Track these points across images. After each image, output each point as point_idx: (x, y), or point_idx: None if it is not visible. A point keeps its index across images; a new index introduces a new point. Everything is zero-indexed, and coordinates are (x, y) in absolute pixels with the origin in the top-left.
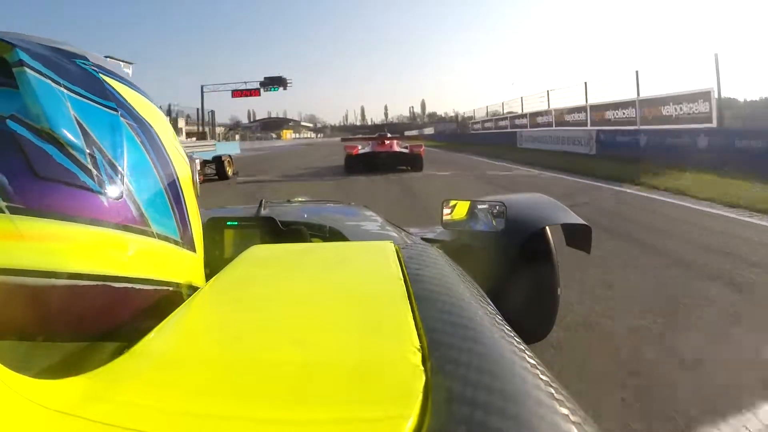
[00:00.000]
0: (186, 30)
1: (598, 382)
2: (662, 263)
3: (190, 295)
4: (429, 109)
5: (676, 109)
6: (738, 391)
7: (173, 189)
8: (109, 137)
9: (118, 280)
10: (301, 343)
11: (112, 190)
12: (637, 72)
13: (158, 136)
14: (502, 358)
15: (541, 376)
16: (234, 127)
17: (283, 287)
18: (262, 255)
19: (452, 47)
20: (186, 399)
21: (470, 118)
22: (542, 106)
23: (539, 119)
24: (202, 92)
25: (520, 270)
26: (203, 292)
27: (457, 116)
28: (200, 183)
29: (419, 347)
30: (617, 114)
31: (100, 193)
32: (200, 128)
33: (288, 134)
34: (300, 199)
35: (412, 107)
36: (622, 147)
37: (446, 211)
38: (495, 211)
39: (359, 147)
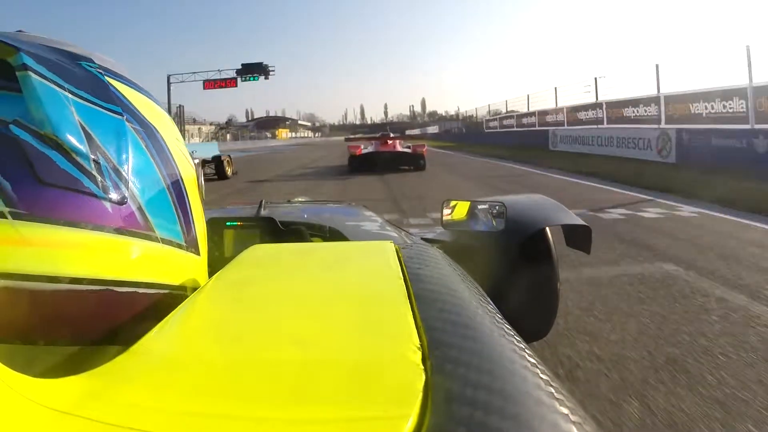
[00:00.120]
0: (151, 17)
1: None
2: None
3: None
4: (429, 108)
5: None
6: None
7: (178, 193)
8: (113, 142)
9: (122, 285)
10: (301, 342)
11: (116, 196)
12: (748, 47)
13: (163, 140)
14: (502, 358)
15: (541, 376)
16: (225, 126)
17: (283, 287)
18: (262, 255)
19: (453, 46)
20: (186, 398)
21: (484, 114)
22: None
23: (581, 114)
24: (169, 83)
25: (520, 270)
26: (203, 292)
27: (457, 114)
28: None
29: (419, 347)
30: (713, 107)
31: (105, 198)
32: None
33: (283, 133)
34: (300, 199)
35: (412, 106)
36: (725, 154)
37: (446, 211)
38: (495, 211)
39: (362, 147)
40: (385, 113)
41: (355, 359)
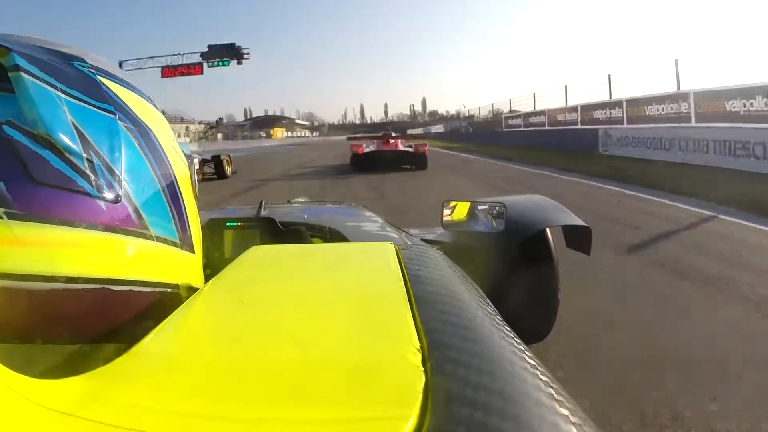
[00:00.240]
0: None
1: None
2: None
3: (189, 296)
4: (430, 107)
5: None
6: None
7: (171, 191)
8: (106, 141)
9: (117, 283)
10: (302, 343)
11: (110, 195)
12: None
13: (156, 138)
14: (502, 359)
15: (541, 377)
16: (216, 125)
17: (283, 288)
18: (263, 255)
19: (453, 46)
20: (186, 399)
21: (498, 110)
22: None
23: (649, 110)
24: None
25: (520, 271)
26: (203, 293)
27: (458, 113)
28: (199, 182)
29: (419, 348)
30: None
31: (98, 197)
32: None
33: (279, 133)
34: (300, 200)
35: (413, 105)
36: None
37: (446, 212)
38: (495, 212)
39: (364, 146)
40: (385, 113)
41: (355, 360)
